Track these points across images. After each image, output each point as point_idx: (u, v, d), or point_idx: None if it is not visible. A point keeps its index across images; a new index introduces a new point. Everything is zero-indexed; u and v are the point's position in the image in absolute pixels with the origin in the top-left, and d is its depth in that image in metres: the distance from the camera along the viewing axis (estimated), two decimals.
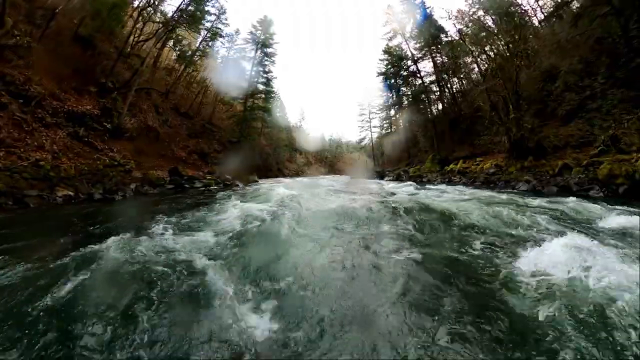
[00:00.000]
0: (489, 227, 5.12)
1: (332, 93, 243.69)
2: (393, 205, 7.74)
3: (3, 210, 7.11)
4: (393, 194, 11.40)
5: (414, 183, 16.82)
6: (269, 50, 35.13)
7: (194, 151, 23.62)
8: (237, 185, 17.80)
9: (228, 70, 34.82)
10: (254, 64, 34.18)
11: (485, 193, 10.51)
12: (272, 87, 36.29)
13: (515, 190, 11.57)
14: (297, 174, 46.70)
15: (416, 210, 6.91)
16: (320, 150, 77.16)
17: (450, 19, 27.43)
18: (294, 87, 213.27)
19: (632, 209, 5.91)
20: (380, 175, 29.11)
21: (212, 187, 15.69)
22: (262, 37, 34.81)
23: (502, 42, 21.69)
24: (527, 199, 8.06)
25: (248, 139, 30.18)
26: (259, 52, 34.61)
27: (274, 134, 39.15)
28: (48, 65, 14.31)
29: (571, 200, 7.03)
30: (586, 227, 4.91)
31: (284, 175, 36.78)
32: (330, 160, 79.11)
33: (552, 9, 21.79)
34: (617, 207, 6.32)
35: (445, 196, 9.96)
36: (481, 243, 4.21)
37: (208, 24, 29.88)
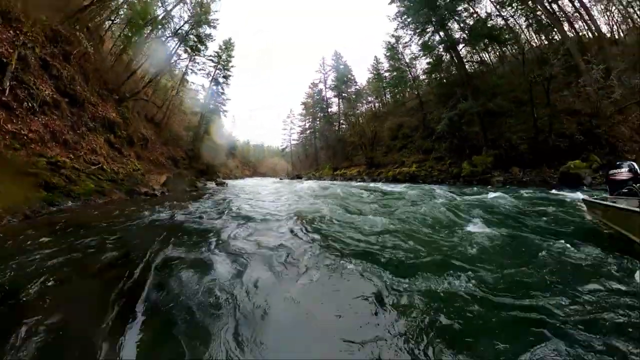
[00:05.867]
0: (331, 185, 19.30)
1: (257, 101, 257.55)
2: (315, 184, 21.62)
3: (138, 198, 10.19)
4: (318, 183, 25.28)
5: (317, 180, 31.53)
6: (227, 72, 38.86)
7: (168, 157, 26.80)
8: (225, 183, 26.30)
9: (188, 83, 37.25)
10: (211, 81, 37.91)
11: (343, 182, 25.48)
12: (225, 105, 41.11)
13: (355, 181, 26.77)
14: (229, 177, 49.96)
15: (316, 184, 21.02)
16: (246, 155, 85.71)
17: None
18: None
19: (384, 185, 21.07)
20: (298, 177, 44.01)
21: (210, 186, 21.68)
22: (225, 57, 38.05)
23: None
24: (351, 182, 23.11)
25: (201, 147, 35.09)
26: (218, 71, 37.98)
27: (215, 140, 42.77)
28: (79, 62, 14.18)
29: (372, 184, 22.05)
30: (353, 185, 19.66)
31: (222, 178, 37.53)
32: (253, 164, 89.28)
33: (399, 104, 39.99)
34: (382, 184, 21.48)
35: (328, 183, 24.46)
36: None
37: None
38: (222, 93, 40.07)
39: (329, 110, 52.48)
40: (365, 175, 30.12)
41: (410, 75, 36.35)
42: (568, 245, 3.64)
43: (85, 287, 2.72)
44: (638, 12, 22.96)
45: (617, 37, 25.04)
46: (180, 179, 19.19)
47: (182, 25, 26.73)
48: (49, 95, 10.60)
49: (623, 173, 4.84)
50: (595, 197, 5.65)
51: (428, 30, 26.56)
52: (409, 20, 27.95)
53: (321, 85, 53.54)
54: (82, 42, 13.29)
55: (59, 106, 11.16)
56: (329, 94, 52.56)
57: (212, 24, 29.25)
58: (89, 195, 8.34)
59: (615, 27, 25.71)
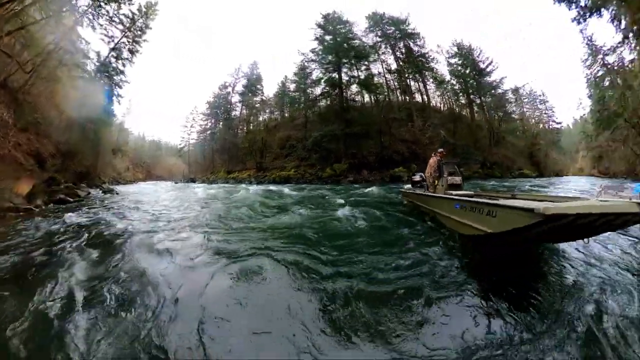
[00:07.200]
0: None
1: (157, 90, 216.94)
2: (205, 189, 20.15)
3: None
4: (205, 186, 23.20)
5: (212, 184, 29.51)
6: (136, 46, 26.44)
7: (31, 152, 16.34)
8: (114, 190, 19.15)
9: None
10: (112, 50, 25.19)
11: (235, 184, 24.62)
12: (121, 87, 27.51)
13: (244, 183, 26.21)
14: (118, 181, 37.96)
15: (209, 187, 19.73)
16: (139, 152, 68.27)
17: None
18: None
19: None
20: (193, 180, 41.06)
21: (99, 195, 15.06)
22: (140, 24, 26.08)
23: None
24: (241, 184, 22.50)
25: (81, 140, 23.64)
26: (126, 39, 25.48)
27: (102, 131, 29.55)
28: None
29: (254, 185, 21.81)
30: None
31: (109, 183, 28.83)
32: (148, 164, 71.37)
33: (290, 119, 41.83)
34: (260, 186, 21.38)
35: (220, 185, 23.09)
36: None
37: None
38: (122, 72, 26.61)
39: (233, 114, 49.92)
40: (254, 178, 30.77)
41: (304, 98, 38.88)
42: (388, 209, 6.70)
43: None
44: (452, 102, 42.92)
45: (441, 107, 42.94)
46: (54, 187, 13.36)
47: None
48: None
49: (417, 177, 7.83)
50: (406, 188, 8.63)
51: (329, 69, 33.63)
52: (317, 58, 34.58)
53: (230, 89, 50.63)
54: None
55: None
56: (235, 98, 50.19)
57: None
58: None
59: (442, 103, 44.01)
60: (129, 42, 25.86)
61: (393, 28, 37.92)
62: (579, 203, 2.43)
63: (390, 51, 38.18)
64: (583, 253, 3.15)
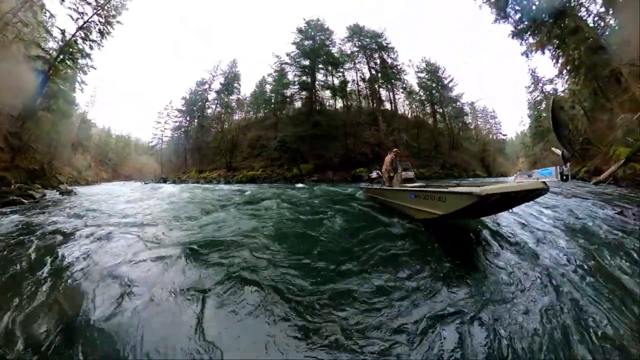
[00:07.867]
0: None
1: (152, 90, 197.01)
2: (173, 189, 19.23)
3: None
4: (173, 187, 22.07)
5: (181, 184, 28.26)
6: (108, 28, 23.12)
7: None
8: (73, 191, 16.01)
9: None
10: (80, 29, 21.81)
11: (205, 184, 23.89)
12: (86, 73, 24.34)
13: (212, 184, 25.62)
14: (78, 181, 33.30)
15: (176, 187, 18.82)
16: (104, 148, 59.72)
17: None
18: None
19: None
20: (165, 180, 38.44)
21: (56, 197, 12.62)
22: (116, 2, 23.39)
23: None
24: (211, 184, 21.85)
25: (36, 132, 20.60)
26: (97, 17, 22.43)
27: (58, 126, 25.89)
28: None
29: (220, 185, 21.55)
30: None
31: (68, 184, 23.62)
32: (114, 163, 62.06)
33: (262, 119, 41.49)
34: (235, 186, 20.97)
35: (191, 185, 22.25)
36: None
37: None
38: (88, 55, 23.07)
39: (208, 111, 48.04)
40: (223, 177, 30.14)
41: (279, 98, 38.94)
42: (354, 204, 6.76)
43: None
44: (418, 110, 45.74)
45: (408, 115, 45.71)
46: (4, 188, 11.33)
47: None
48: None
49: (374, 174, 8.22)
50: (366, 185, 9.07)
51: (304, 72, 35.91)
52: (293, 62, 36.27)
53: (207, 86, 48.78)
54: None
55: None
56: (212, 96, 48.19)
57: None
58: None
59: (410, 111, 46.89)
60: (100, 21, 22.75)
61: (370, 40, 41.22)
62: (504, 185, 3.14)
63: (366, 61, 41.48)
64: (498, 224, 4.20)
